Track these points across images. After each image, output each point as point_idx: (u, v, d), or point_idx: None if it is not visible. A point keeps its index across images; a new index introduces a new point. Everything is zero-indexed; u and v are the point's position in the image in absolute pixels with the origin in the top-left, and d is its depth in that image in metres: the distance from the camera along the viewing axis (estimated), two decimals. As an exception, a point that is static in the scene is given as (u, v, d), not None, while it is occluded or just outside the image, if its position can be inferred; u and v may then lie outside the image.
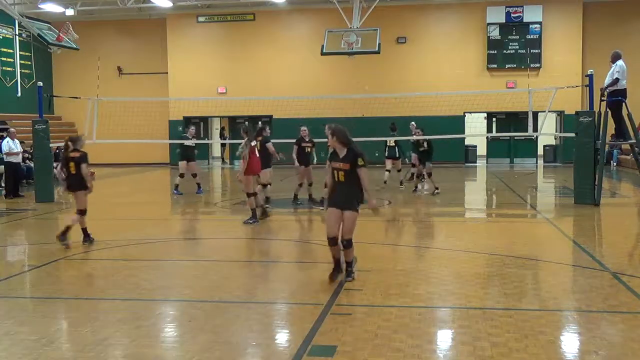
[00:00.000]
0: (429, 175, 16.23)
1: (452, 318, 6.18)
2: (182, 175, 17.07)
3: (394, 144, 17.72)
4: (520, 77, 26.44)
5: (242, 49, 28.64)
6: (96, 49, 28.00)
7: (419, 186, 17.48)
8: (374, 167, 24.78)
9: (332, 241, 7.30)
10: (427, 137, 16.45)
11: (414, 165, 17.92)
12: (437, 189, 16.14)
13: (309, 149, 14.57)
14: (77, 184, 9.82)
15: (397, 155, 17.82)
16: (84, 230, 9.93)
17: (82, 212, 9.80)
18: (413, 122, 18.61)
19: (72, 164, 9.77)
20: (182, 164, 17.05)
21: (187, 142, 17.24)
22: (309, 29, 27.88)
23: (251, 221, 11.93)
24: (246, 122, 24.58)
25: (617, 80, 13.73)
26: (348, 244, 7.30)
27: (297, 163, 14.45)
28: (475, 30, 27.57)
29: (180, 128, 28.16)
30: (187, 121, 28.87)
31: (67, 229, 9.60)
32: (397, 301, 6.70)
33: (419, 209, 14.81)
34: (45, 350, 5.33)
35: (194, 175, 17.14)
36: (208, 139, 29.86)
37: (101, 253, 9.54)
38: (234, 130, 29.47)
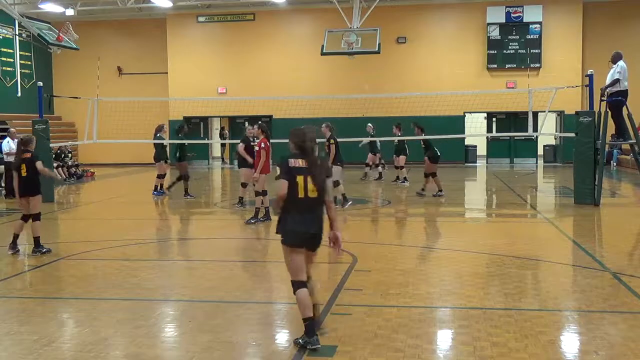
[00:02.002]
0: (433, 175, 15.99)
1: (452, 318, 6.18)
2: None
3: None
4: (520, 77, 26.41)
5: (242, 49, 28.61)
6: (96, 49, 27.93)
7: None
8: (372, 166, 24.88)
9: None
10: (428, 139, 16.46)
11: (367, 165, 20.54)
12: (440, 190, 15.99)
13: None
14: (31, 187, 9.23)
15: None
16: (37, 239, 9.27)
17: (37, 217, 9.30)
18: (370, 124, 20.60)
19: (23, 166, 9.16)
20: (161, 164, 16.97)
21: (164, 142, 17.53)
22: (309, 29, 27.86)
23: (253, 221, 11.94)
24: (246, 122, 24.58)
25: (617, 80, 13.72)
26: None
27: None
28: (475, 30, 27.56)
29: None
30: (187, 121, 28.94)
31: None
32: (397, 301, 6.70)
33: (420, 209, 14.80)
34: (45, 350, 5.33)
35: (162, 176, 17.07)
36: (208, 139, 29.85)
37: (101, 253, 9.53)
38: (234, 129, 29.50)
